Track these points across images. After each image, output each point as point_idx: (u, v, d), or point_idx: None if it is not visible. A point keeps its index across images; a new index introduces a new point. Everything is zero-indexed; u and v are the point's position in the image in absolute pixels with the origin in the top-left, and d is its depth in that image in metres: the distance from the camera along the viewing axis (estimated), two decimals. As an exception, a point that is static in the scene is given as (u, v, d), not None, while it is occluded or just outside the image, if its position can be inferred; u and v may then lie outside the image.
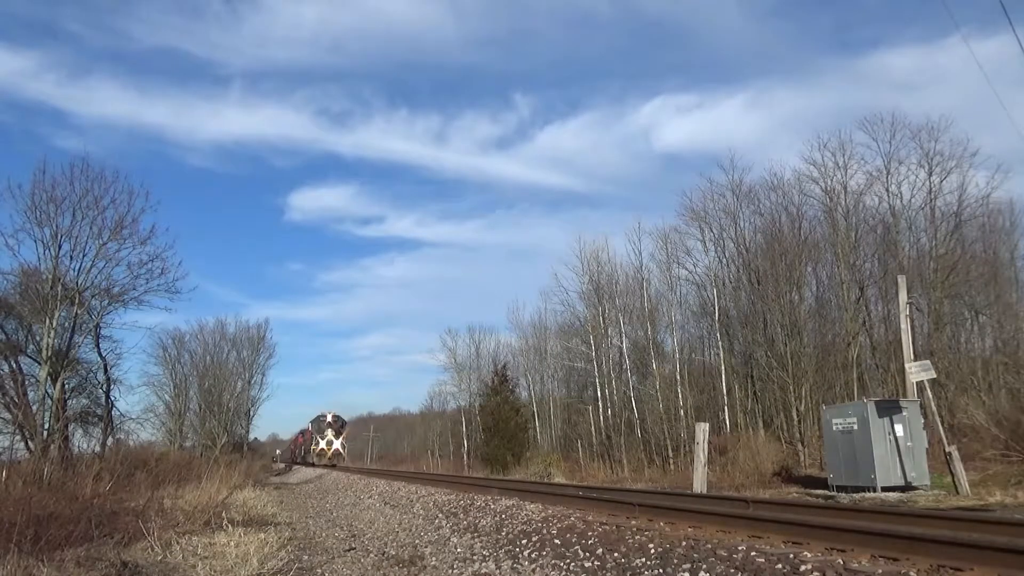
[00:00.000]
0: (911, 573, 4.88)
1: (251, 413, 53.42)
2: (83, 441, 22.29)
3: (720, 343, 33.72)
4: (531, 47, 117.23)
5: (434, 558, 8.22)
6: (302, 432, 66.46)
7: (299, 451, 66.74)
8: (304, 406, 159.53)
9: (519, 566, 6.87)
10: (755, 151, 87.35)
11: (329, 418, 54.62)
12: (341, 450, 54.37)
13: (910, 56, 67.34)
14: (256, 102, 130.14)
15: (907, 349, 18.62)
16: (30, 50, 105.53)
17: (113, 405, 23.08)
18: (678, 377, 34.40)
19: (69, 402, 21.25)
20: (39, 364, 19.75)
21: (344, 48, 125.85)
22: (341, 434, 54.98)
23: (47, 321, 19.58)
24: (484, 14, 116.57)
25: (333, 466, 49.64)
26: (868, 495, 15.35)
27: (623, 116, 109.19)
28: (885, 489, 15.76)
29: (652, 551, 6.20)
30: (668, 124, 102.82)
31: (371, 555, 9.31)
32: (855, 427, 16.88)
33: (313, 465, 51.84)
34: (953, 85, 54.48)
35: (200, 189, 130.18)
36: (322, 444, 53.35)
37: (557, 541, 7.45)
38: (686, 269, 37.31)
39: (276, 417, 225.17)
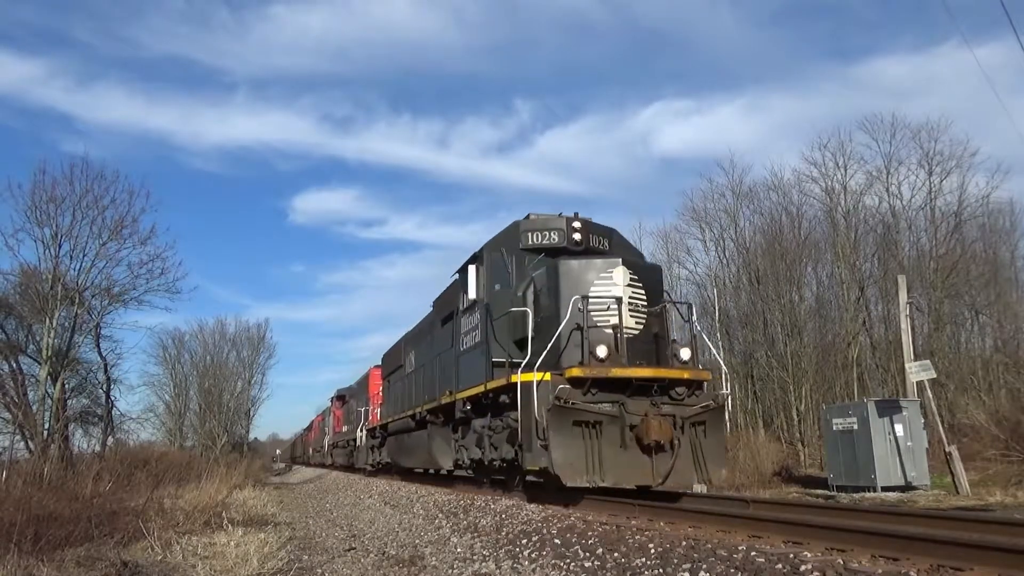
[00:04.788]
0: (911, 573, 4.87)
1: (251, 413, 53.41)
2: (83, 441, 22.41)
3: (720, 343, 33.73)
4: (531, 54, 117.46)
5: (434, 558, 8.21)
6: (341, 397, 33.39)
7: (323, 441, 39.70)
8: (304, 405, 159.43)
9: (519, 566, 6.86)
10: (752, 156, 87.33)
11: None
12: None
13: (904, 63, 67.37)
14: (261, 108, 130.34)
15: (907, 349, 18.62)
16: (39, 57, 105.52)
17: (113, 405, 23.17)
18: (678, 377, 34.32)
19: (69, 402, 21.30)
20: (39, 364, 19.78)
21: (348, 55, 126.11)
22: None
23: (47, 321, 19.61)
24: (485, 22, 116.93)
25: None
26: (868, 495, 15.35)
27: (622, 121, 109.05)
28: (885, 489, 15.77)
29: (652, 551, 6.19)
30: (666, 129, 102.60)
31: (371, 555, 9.31)
32: (855, 427, 16.89)
33: (373, 471, 22.63)
34: (947, 92, 54.76)
35: (205, 193, 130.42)
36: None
37: (557, 541, 7.44)
38: (686, 269, 37.42)
39: (277, 417, 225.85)
